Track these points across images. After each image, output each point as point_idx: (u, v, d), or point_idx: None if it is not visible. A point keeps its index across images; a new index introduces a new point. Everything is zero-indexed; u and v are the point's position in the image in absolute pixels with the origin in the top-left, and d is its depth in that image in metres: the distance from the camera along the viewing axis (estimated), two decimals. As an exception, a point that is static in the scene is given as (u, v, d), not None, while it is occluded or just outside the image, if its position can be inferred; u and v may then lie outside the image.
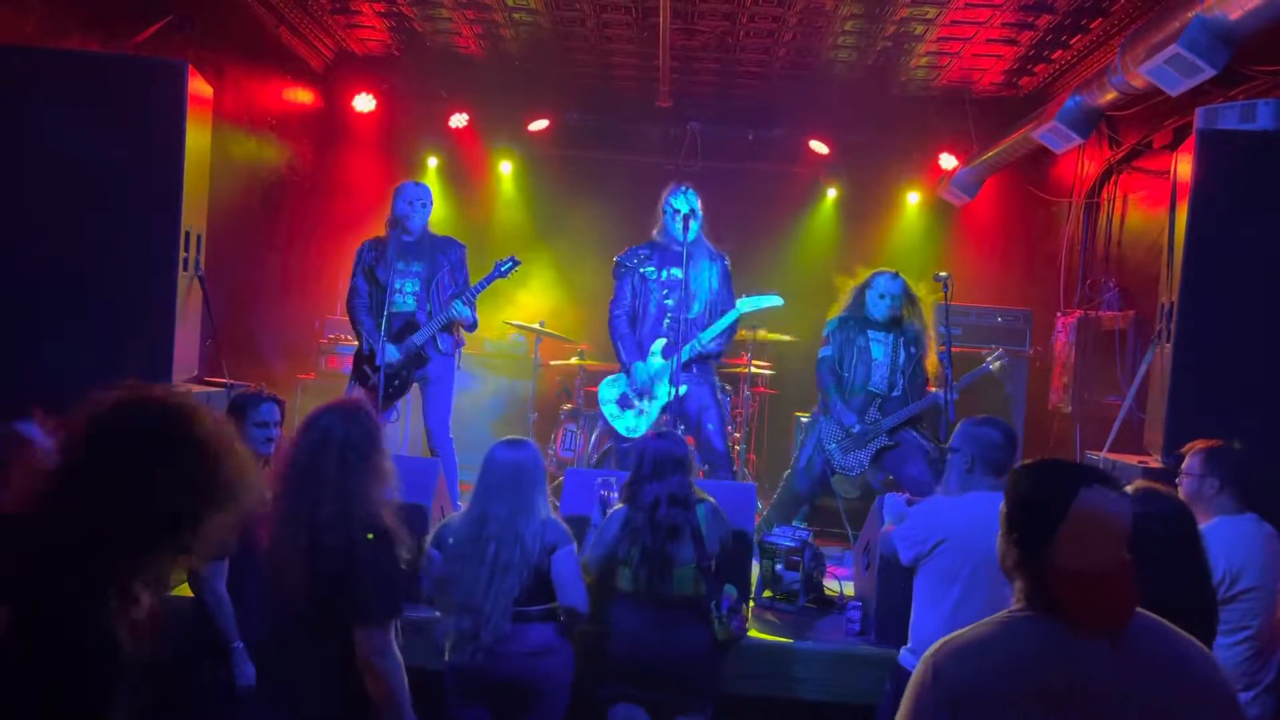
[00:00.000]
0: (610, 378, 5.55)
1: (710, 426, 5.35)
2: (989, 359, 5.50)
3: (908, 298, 5.37)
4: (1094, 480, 1.76)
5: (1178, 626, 1.82)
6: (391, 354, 5.21)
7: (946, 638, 1.81)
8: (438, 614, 3.47)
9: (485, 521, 3.33)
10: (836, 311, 5.51)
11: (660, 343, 5.36)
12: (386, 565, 2.70)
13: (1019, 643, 1.74)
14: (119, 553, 1.65)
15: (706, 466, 5.47)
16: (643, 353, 5.37)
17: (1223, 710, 1.75)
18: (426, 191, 5.39)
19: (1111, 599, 1.71)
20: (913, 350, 5.33)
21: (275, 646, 2.90)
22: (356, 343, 5.49)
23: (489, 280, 5.41)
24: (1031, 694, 1.69)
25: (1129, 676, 1.70)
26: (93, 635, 1.62)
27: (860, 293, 5.42)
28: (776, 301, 5.38)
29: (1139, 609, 1.77)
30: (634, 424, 5.33)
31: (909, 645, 3.53)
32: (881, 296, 5.32)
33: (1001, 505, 1.87)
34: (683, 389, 5.25)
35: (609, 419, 5.44)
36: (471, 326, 5.44)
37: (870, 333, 5.36)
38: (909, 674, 3.48)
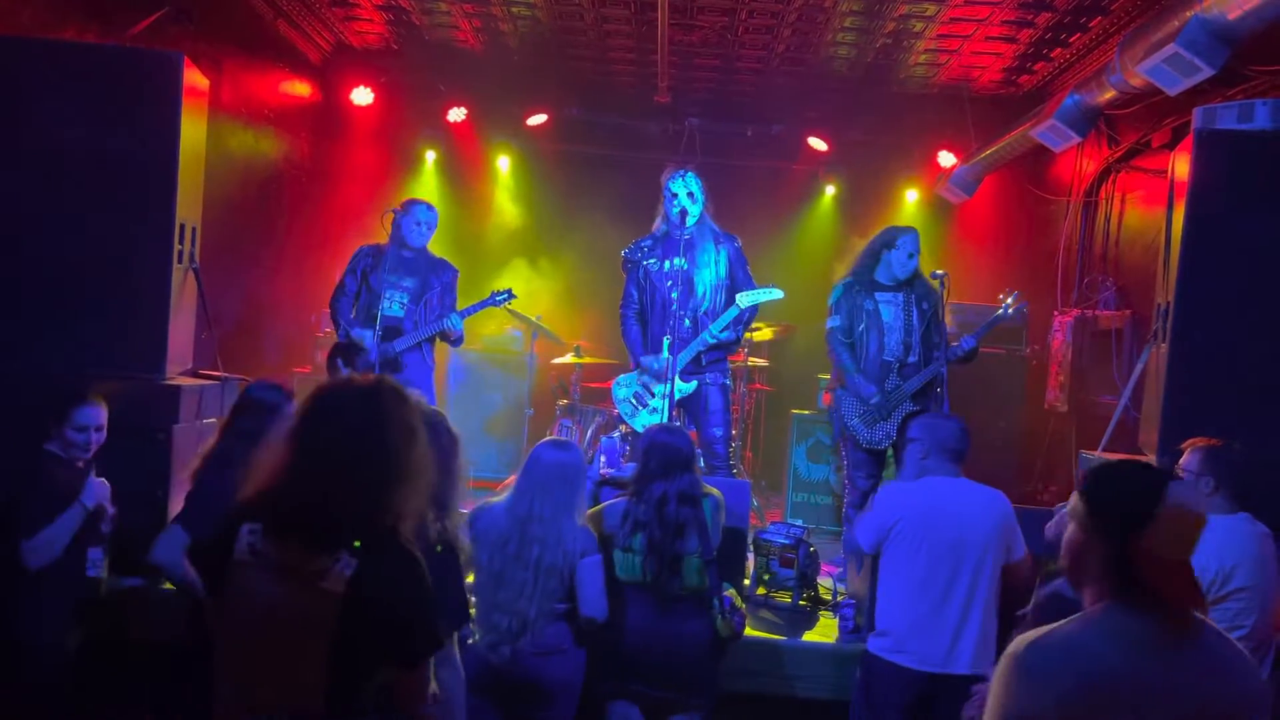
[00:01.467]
0: (622, 376, 5.52)
1: (716, 431, 5.28)
2: (1004, 302, 5.09)
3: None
4: (1171, 477, 1.89)
5: None
6: (366, 337, 5.23)
7: (1031, 635, 1.83)
8: None
9: (529, 521, 3.33)
10: (839, 277, 5.21)
11: (669, 339, 5.27)
12: (452, 577, 2.74)
13: (1110, 641, 1.79)
14: (403, 501, 2.12)
15: (704, 466, 5.46)
16: (654, 347, 5.26)
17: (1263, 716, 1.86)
18: (435, 216, 5.48)
19: (1190, 584, 1.84)
20: (925, 307, 5.04)
21: None
22: (336, 332, 5.50)
23: (480, 306, 5.47)
24: (1125, 697, 1.75)
25: (1203, 678, 1.78)
26: (411, 566, 2.09)
27: (874, 254, 5.11)
28: (776, 294, 5.22)
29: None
30: (649, 421, 5.26)
31: (875, 631, 3.60)
32: (911, 255, 5.02)
33: (1074, 503, 1.93)
34: (691, 385, 5.21)
35: (626, 418, 5.43)
36: (457, 342, 5.51)
37: (879, 295, 5.05)
38: (877, 659, 3.60)
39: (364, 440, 2.10)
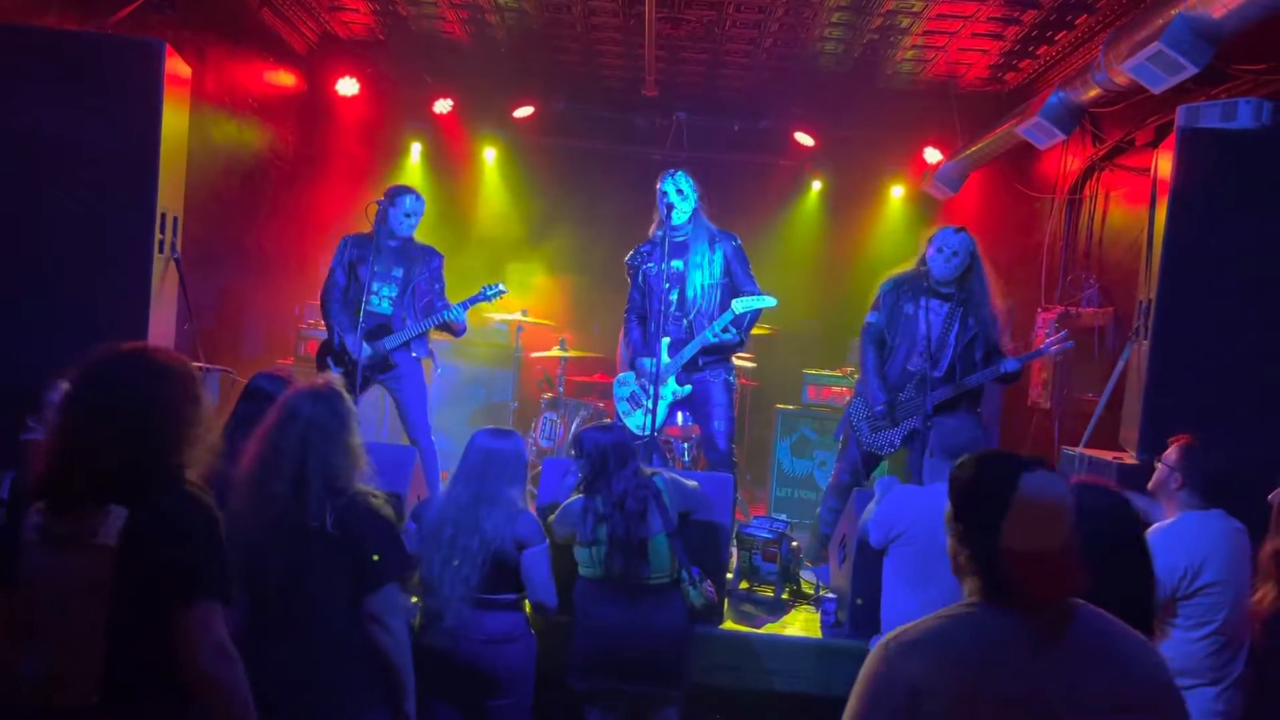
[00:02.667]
0: (623, 375, 5.53)
1: (716, 425, 5.25)
2: (1048, 341, 4.92)
3: (972, 256, 4.82)
4: (1033, 466, 1.82)
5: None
6: (355, 345, 5.23)
7: (901, 629, 1.82)
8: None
9: (463, 507, 3.39)
10: (897, 271, 5.04)
11: (668, 340, 5.24)
12: (384, 525, 2.72)
13: (972, 636, 1.76)
14: (175, 452, 2.13)
15: (706, 462, 5.46)
16: (653, 348, 5.21)
17: (1165, 705, 1.79)
18: (422, 205, 5.46)
19: (1058, 577, 1.77)
20: (970, 322, 4.80)
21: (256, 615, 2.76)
22: (328, 333, 5.49)
23: (473, 301, 5.45)
24: (985, 692, 1.71)
25: (1076, 671, 1.74)
26: (192, 508, 2.09)
27: (924, 251, 4.91)
28: (769, 302, 5.15)
29: (1084, 602, 1.81)
30: (644, 422, 5.23)
31: (881, 633, 3.58)
32: (939, 250, 4.80)
33: (946, 503, 1.90)
34: (686, 388, 5.22)
35: (622, 417, 5.43)
36: (460, 332, 5.53)
37: (924, 300, 4.80)
38: None
39: (124, 395, 2.12)
